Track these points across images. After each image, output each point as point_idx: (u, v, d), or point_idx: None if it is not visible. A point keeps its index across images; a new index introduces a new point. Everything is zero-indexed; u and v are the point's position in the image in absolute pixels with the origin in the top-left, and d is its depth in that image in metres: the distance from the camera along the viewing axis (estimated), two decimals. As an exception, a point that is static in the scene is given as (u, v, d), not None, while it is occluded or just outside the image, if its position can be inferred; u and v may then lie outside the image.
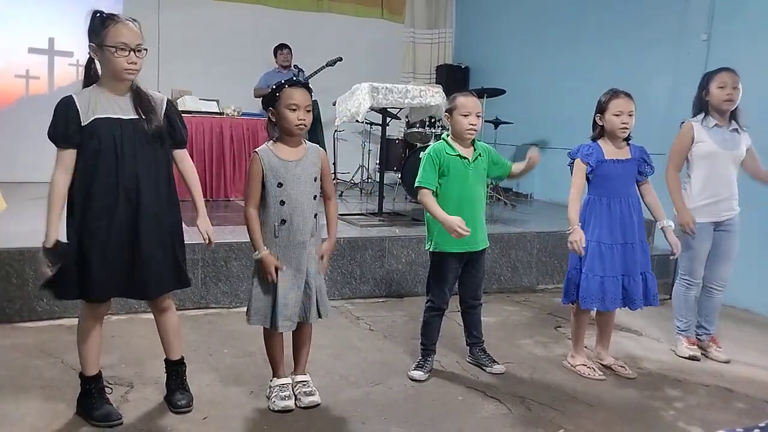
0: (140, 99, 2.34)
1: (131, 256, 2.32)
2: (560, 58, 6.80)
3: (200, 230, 2.50)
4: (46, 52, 6.92)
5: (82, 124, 2.23)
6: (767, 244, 4.30)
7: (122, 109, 2.30)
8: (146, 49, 2.28)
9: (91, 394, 2.43)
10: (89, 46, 2.25)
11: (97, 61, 2.29)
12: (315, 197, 2.58)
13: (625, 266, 3.00)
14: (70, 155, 2.25)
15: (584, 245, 2.92)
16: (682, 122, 3.43)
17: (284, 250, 2.51)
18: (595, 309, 3.13)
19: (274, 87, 2.51)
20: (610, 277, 2.98)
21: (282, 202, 2.49)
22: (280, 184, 2.48)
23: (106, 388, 2.49)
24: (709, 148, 3.28)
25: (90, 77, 2.32)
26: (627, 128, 2.95)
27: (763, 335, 3.94)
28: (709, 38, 4.91)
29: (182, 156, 2.51)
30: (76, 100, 2.24)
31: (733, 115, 3.31)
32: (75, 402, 2.48)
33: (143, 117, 2.31)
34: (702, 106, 3.34)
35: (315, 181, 2.57)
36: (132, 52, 2.22)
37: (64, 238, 2.28)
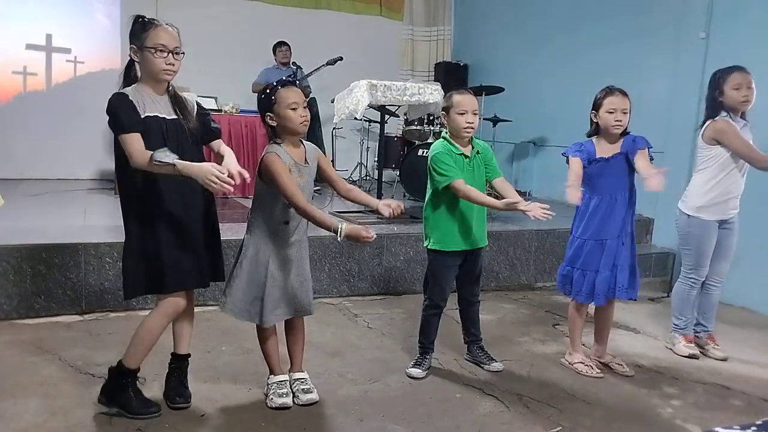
0: (177, 101, 2.43)
1: (191, 249, 2.41)
2: (559, 56, 6.80)
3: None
4: (44, 48, 6.89)
5: (141, 116, 2.29)
6: (765, 242, 4.30)
7: (165, 109, 2.38)
8: (183, 53, 2.36)
9: (127, 388, 2.46)
10: (130, 48, 2.35)
11: (137, 64, 2.37)
12: (312, 197, 2.62)
13: (616, 259, 3.01)
14: (139, 139, 2.26)
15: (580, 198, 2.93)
16: (704, 123, 3.31)
17: (278, 249, 2.52)
18: (593, 305, 3.14)
19: (267, 92, 2.50)
20: (601, 272, 3.00)
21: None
22: None
23: (139, 380, 2.52)
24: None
25: (129, 79, 2.39)
26: (620, 125, 2.95)
27: (761, 333, 3.95)
28: (708, 36, 4.90)
29: (219, 143, 2.58)
30: (129, 95, 2.30)
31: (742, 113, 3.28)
32: (72, 398, 2.49)
33: (183, 117, 2.41)
34: (716, 106, 3.26)
35: (314, 182, 2.61)
36: (170, 54, 2.31)
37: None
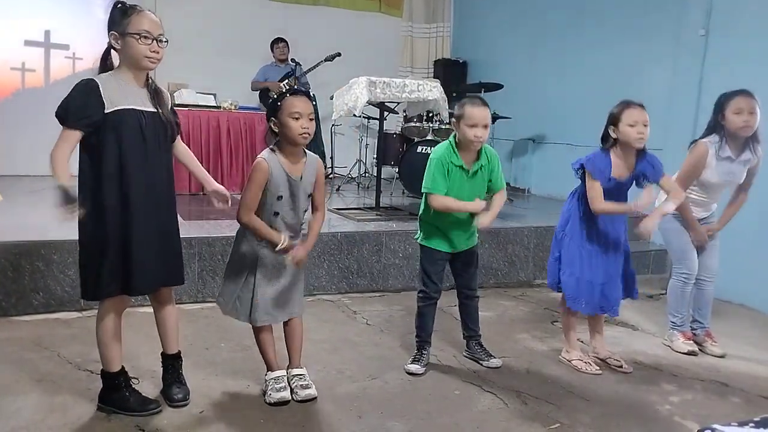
0: (157, 93, 2.37)
1: (158, 247, 2.37)
2: (558, 53, 6.79)
3: (218, 191, 2.59)
4: (42, 44, 6.87)
5: (106, 111, 2.20)
6: (762, 240, 4.31)
7: (143, 102, 2.31)
8: (167, 40, 2.29)
9: (121, 387, 2.45)
10: (110, 34, 2.25)
11: (115, 52, 2.29)
12: (305, 211, 2.61)
13: (606, 274, 3.02)
14: (76, 137, 2.22)
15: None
16: (694, 141, 3.33)
17: (267, 252, 2.52)
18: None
19: (275, 96, 2.50)
20: (588, 282, 3.01)
21: (276, 213, 2.50)
22: (279, 197, 2.48)
23: (132, 380, 2.50)
24: (712, 179, 3.26)
25: (105, 68, 2.32)
26: (643, 138, 2.88)
27: (758, 330, 3.95)
28: (707, 33, 4.90)
29: (178, 141, 2.55)
30: (100, 86, 2.21)
31: (753, 138, 3.22)
32: (70, 395, 2.49)
33: (161, 111, 2.34)
34: (717, 129, 3.24)
35: (308, 197, 2.59)
36: (154, 41, 2.24)
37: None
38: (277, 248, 2.46)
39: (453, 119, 2.93)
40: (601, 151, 2.99)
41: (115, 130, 2.23)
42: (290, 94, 2.45)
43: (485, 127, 2.82)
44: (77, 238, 2.33)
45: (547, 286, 3.25)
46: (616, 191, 2.98)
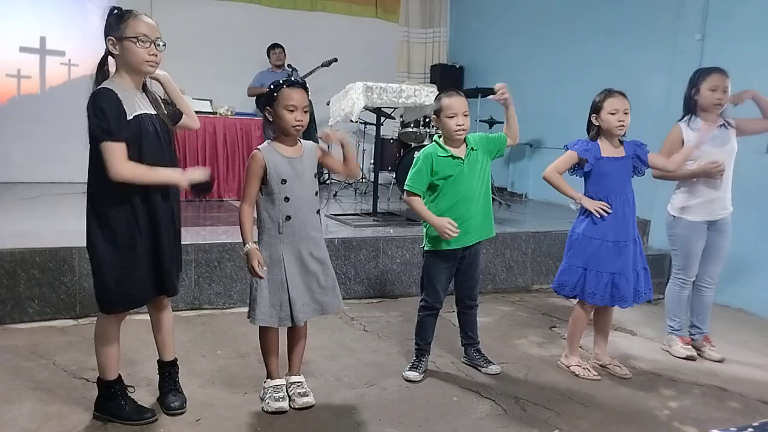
0: (153, 96, 2.37)
1: (168, 254, 2.37)
2: (555, 58, 6.81)
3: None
4: (38, 51, 6.87)
5: (128, 118, 2.19)
6: (762, 244, 4.30)
7: (147, 106, 2.31)
8: (165, 44, 2.29)
9: (117, 396, 2.43)
10: (108, 40, 2.23)
11: (112, 58, 2.27)
12: (316, 193, 2.59)
13: (615, 264, 2.98)
14: (124, 147, 2.18)
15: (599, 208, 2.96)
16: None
17: (290, 246, 2.51)
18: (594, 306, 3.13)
19: (271, 87, 2.50)
20: (597, 272, 2.98)
21: (287, 199, 2.48)
22: (284, 181, 2.47)
23: (128, 388, 2.49)
24: (700, 148, 3.29)
25: (104, 75, 2.29)
26: (623, 126, 2.94)
27: (757, 335, 3.95)
28: (703, 38, 4.91)
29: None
30: (118, 94, 2.19)
31: (724, 115, 3.31)
32: (66, 403, 2.47)
33: (162, 114, 2.35)
34: (691, 105, 3.32)
35: (315, 177, 2.58)
36: (152, 44, 2.24)
37: None
38: (243, 251, 2.48)
39: (433, 116, 2.94)
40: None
41: (134, 137, 2.21)
42: (287, 86, 2.47)
43: (465, 115, 2.86)
44: (90, 249, 2.34)
45: (558, 293, 3.19)
46: (618, 171, 2.97)
